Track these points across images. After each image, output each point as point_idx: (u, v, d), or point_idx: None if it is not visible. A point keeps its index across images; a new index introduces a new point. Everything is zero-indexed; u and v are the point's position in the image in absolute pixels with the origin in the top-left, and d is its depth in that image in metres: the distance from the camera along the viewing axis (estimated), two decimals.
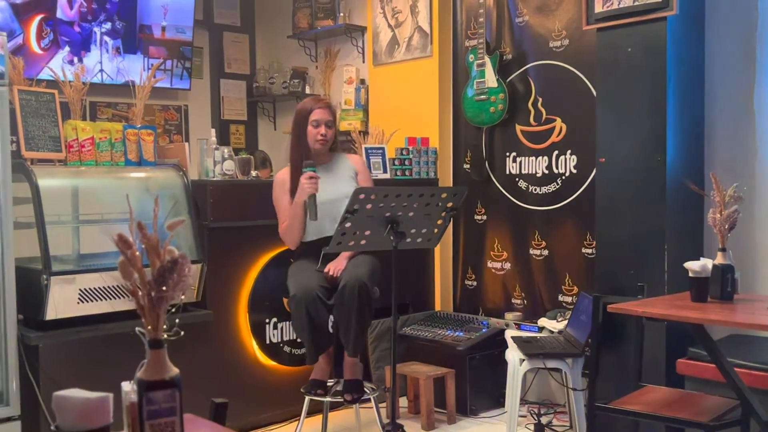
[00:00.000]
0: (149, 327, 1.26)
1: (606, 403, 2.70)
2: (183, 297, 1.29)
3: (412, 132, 4.64)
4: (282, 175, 3.41)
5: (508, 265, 4.39)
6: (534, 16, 4.22)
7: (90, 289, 3.13)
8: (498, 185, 4.40)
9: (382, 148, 4.48)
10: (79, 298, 3.11)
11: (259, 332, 3.79)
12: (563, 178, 4.09)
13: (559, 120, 4.11)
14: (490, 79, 4.28)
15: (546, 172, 4.16)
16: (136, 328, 1.28)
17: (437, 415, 3.80)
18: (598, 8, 3.46)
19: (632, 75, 3.39)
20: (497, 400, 3.93)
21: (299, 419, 3.37)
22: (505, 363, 3.60)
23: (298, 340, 3.69)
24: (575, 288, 4.02)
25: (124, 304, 3.02)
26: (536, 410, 3.67)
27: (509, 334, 3.78)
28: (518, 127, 4.29)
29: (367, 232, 2.91)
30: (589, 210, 3.79)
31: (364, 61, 5.26)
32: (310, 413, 3.38)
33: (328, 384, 3.39)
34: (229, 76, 6.07)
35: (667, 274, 3.27)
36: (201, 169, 3.78)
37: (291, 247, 3.41)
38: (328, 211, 3.22)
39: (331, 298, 3.16)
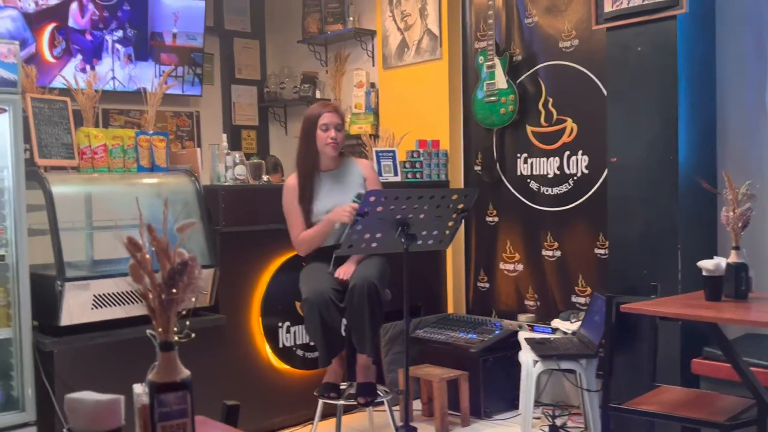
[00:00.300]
0: (160, 329, 1.27)
1: (620, 404, 2.68)
2: (194, 300, 1.29)
3: (422, 135, 4.65)
4: (291, 182, 3.42)
5: (520, 267, 4.38)
6: (543, 16, 4.21)
7: (104, 294, 3.14)
8: (509, 187, 4.39)
9: (393, 151, 4.48)
10: (93, 304, 3.12)
11: (272, 336, 3.80)
12: (575, 178, 4.08)
13: (569, 120, 4.09)
14: (500, 81, 4.28)
15: (557, 172, 4.15)
16: (147, 331, 1.29)
17: (451, 418, 3.79)
18: (608, 8, 3.45)
19: (643, 74, 3.38)
20: (511, 402, 3.91)
21: (313, 423, 3.38)
22: (518, 365, 3.59)
23: (311, 343, 3.69)
24: (588, 289, 4.00)
25: (139, 310, 3.01)
26: (550, 412, 3.66)
27: (522, 335, 3.76)
28: (529, 128, 4.28)
29: (378, 235, 2.91)
30: (601, 210, 3.77)
31: (374, 65, 5.27)
32: (323, 416, 3.38)
33: (342, 387, 3.39)
34: (240, 82, 6.10)
35: (680, 273, 3.25)
36: (213, 174, 3.80)
37: (303, 255, 3.42)
38: None
39: (343, 300, 3.16)
